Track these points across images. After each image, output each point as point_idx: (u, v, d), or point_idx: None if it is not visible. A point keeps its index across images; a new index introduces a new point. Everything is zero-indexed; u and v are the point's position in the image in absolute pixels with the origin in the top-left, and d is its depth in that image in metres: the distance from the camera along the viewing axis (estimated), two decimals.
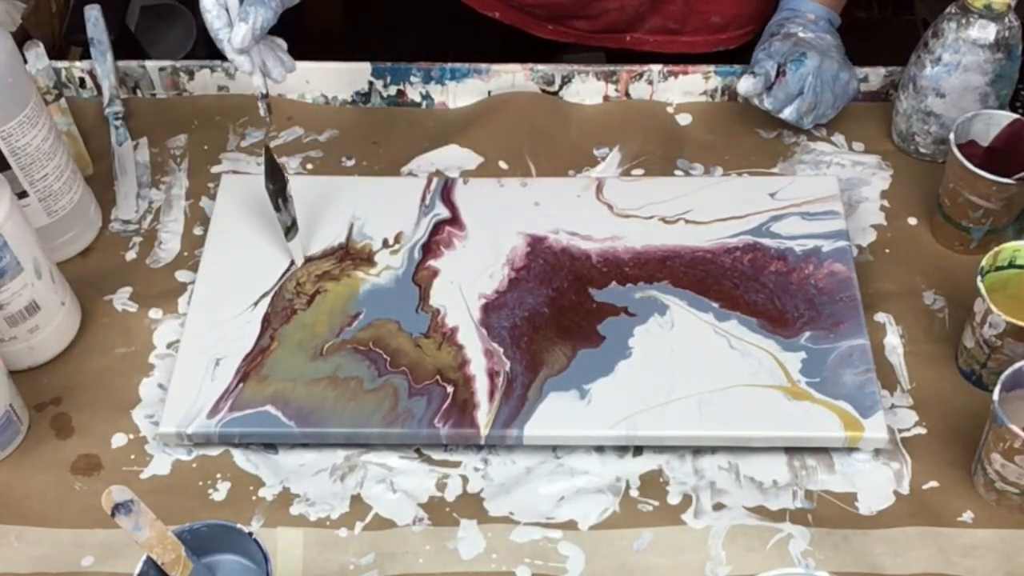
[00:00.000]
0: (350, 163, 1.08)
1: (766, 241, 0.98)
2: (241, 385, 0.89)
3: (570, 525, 0.85)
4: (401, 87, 1.12)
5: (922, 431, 0.89)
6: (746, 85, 1.01)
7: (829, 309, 0.93)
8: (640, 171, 1.06)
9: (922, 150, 1.06)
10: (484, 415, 0.87)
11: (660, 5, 1.15)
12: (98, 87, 1.11)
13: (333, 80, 1.12)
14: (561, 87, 1.12)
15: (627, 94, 1.12)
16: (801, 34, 1.04)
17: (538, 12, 1.18)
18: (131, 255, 1.01)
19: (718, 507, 0.85)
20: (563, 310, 0.94)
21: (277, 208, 0.96)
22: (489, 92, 1.12)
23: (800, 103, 1.02)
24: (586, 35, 1.20)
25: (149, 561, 0.71)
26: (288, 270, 0.96)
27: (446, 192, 1.02)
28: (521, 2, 1.17)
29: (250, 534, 0.73)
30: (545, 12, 1.18)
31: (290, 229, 0.96)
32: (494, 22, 1.21)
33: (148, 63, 1.12)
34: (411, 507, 0.86)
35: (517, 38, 1.20)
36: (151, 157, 1.08)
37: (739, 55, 1.18)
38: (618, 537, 0.84)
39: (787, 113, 1.03)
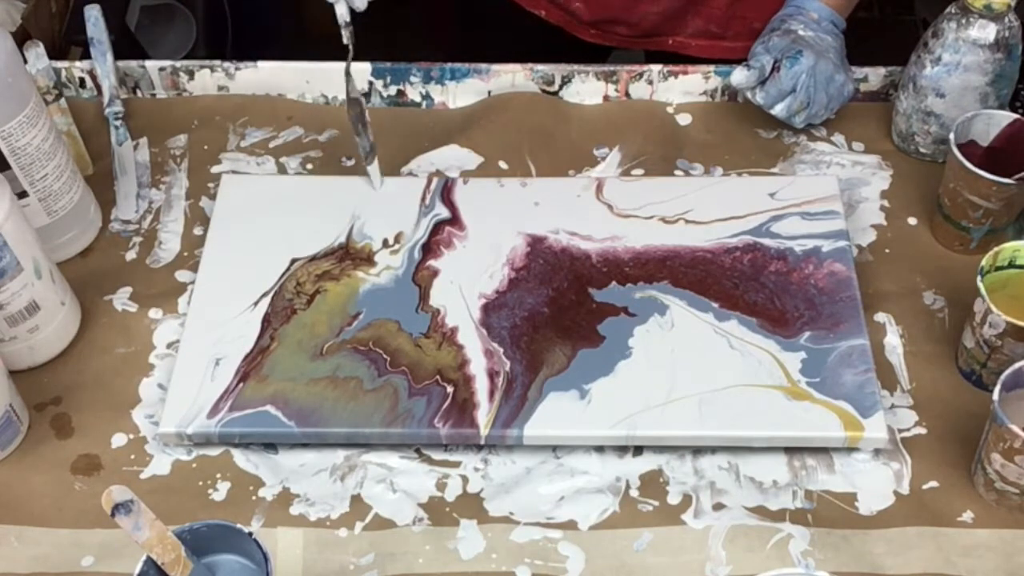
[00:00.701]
0: (350, 163, 1.08)
1: (766, 241, 0.98)
2: (241, 385, 0.89)
3: (570, 525, 0.85)
4: (401, 87, 1.12)
5: (922, 431, 0.89)
6: (739, 77, 1.01)
7: (829, 309, 0.93)
8: (640, 171, 1.06)
9: (922, 150, 1.06)
10: (484, 415, 0.87)
11: (700, 7, 1.15)
12: (98, 87, 1.11)
13: (333, 80, 1.12)
14: (561, 87, 1.12)
15: (627, 94, 1.12)
16: (801, 32, 1.03)
17: (581, 15, 1.19)
18: (131, 255, 1.01)
19: (718, 507, 0.85)
20: (563, 310, 0.94)
21: (357, 133, 1.00)
22: (489, 92, 1.12)
23: (792, 100, 1.02)
24: (629, 39, 1.20)
25: (149, 561, 0.71)
26: (288, 270, 0.96)
27: (446, 192, 1.02)
28: (566, 5, 1.18)
29: (250, 534, 0.73)
30: (588, 16, 1.18)
31: (369, 153, 1.00)
32: (540, 26, 1.21)
33: (148, 63, 1.12)
34: (411, 507, 0.86)
35: (562, 41, 1.20)
36: (151, 157, 1.08)
37: None
38: (618, 537, 0.84)
39: (778, 110, 1.02)
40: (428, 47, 1.21)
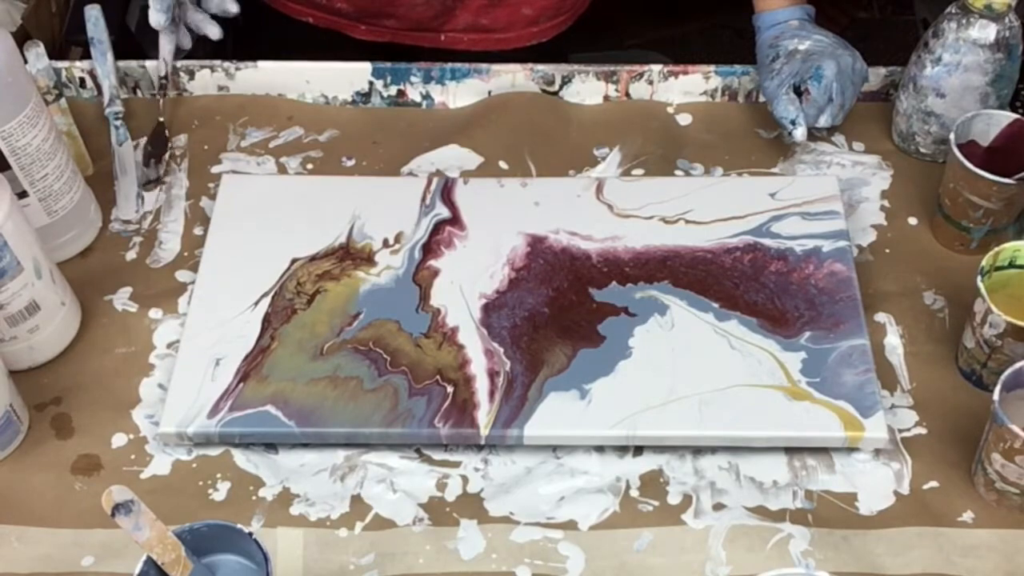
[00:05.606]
0: (350, 163, 1.08)
1: (766, 241, 0.98)
2: (241, 385, 0.89)
3: (570, 525, 0.85)
4: (401, 87, 1.12)
5: (922, 431, 0.89)
6: (799, 137, 1.00)
7: (829, 309, 0.93)
8: (640, 171, 1.06)
9: (922, 150, 1.06)
10: (484, 415, 0.87)
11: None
12: (98, 87, 1.11)
13: (333, 80, 1.12)
14: (561, 87, 1.12)
15: (627, 94, 1.12)
16: (800, 47, 1.03)
17: (348, 12, 1.18)
18: (131, 255, 1.01)
19: (718, 507, 0.85)
20: (563, 310, 0.94)
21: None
22: (489, 92, 1.12)
23: (832, 108, 1.01)
24: (400, 33, 1.19)
25: (149, 561, 0.71)
26: (288, 270, 0.96)
27: (446, 192, 1.02)
28: (330, 5, 1.17)
29: (250, 534, 0.73)
30: (354, 12, 1.18)
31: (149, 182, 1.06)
32: (313, 30, 1.20)
33: (148, 63, 1.12)
34: (411, 507, 0.86)
35: (340, 43, 1.19)
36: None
37: (554, 48, 1.20)
38: (618, 537, 0.84)
39: (822, 122, 1.02)
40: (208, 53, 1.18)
